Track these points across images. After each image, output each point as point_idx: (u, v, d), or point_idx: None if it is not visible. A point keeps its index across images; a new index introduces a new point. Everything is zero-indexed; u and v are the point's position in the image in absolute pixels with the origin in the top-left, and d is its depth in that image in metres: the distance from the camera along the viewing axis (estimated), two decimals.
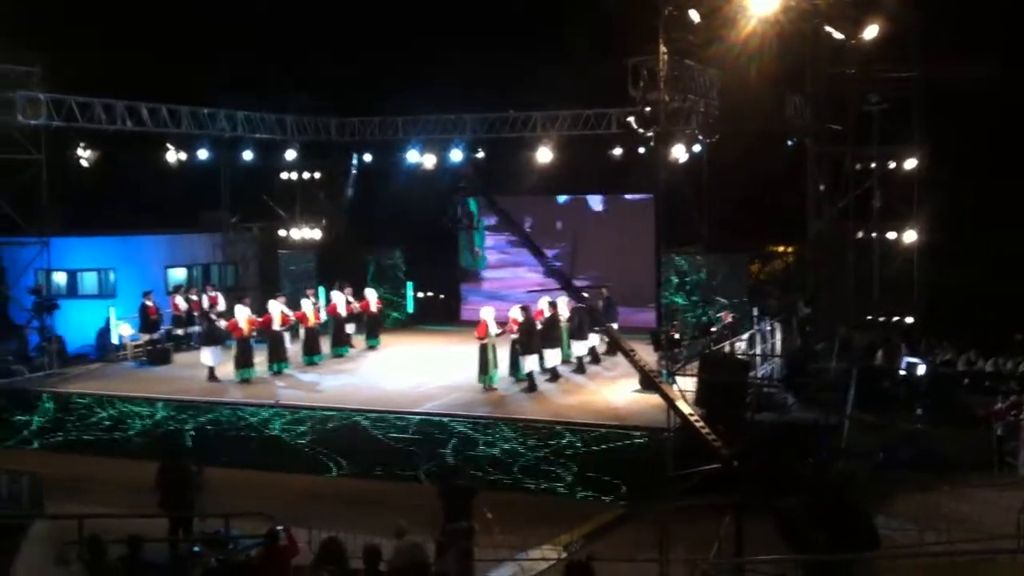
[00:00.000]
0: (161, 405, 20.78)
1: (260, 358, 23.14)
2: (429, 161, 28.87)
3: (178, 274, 29.57)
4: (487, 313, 21.50)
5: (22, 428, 21.64)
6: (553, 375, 21.73)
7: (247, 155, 29.21)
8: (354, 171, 31.55)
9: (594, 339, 23.33)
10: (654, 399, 18.15)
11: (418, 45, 31.31)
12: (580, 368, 22.66)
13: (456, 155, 28.59)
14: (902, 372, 21.08)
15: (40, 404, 21.61)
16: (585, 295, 21.65)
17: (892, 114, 23.14)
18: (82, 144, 25.34)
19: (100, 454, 20.75)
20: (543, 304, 22.13)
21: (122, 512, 15.07)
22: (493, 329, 21.12)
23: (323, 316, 25.11)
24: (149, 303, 25.49)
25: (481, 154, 28.91)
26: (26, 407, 21.71)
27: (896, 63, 22.43)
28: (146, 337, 25.43)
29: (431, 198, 26.90)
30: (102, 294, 28.12)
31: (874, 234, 23.60)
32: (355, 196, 31.85)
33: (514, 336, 21.42)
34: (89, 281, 28.50)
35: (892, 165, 23.94)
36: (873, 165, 23.38)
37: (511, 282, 30.12)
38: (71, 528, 11.81)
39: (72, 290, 28.04)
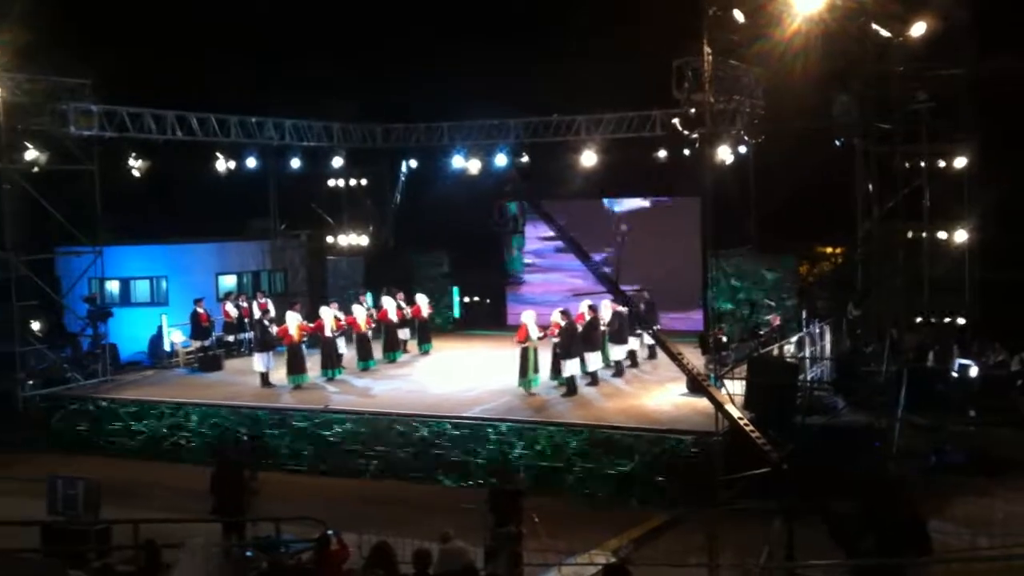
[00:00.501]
0: (213, 411, 21.05)
1: (312, 363, 23.37)
2: (474, 166, 28.98)
3: (228, 281, 29.93)
4: (527, 317, 21.53)
5: (77, 434, 22.02)
6: (593, 379, 21.69)
7: (295, 163, 29.55)
8: (403, 178, 31.71)
9: (634, 343, 23.30)
10: (701, 402, 18.12)
11: (461, 51, 31.42)
12: (619, 372, 22.63)
13: (501, 160, 28.68)
14: (954, 374, 20.81)
15: (94, 410, 21.97)
16: (629, 297, 21.67)
17: (941, 112, 22.83)
18: (133, 154, 25.71)
19: (154, 459, 21.08)
20: (584, 308, 22.14)
21: (176, 517, 15.29)
22: (534, 333, 21.16)
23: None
24: (200, 310, 25.82)
25: (525, 158, 28.97)
26: (81, 413, 22.08)
27: (944, 60, 22.13)
28: (197, 344, 25.79)
29: (476, 203, 27.04)
30: (154, 302, 28.53)
31: (924, 234, 23.31)
32: (403, 202, 32.03)
33: (555, 340, 21.44)
34: (142, 289, 28.92)
35: (942, 164, 23.63)
36: (922, 164, 23.08)
37: (553, 286, 30.09)
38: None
39: (125, 298, 28.48)
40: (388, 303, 25.62)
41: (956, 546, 13.71)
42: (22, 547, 13.96)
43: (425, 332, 26.59)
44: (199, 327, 25.75)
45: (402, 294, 26.55)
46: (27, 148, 22.76)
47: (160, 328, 26.25)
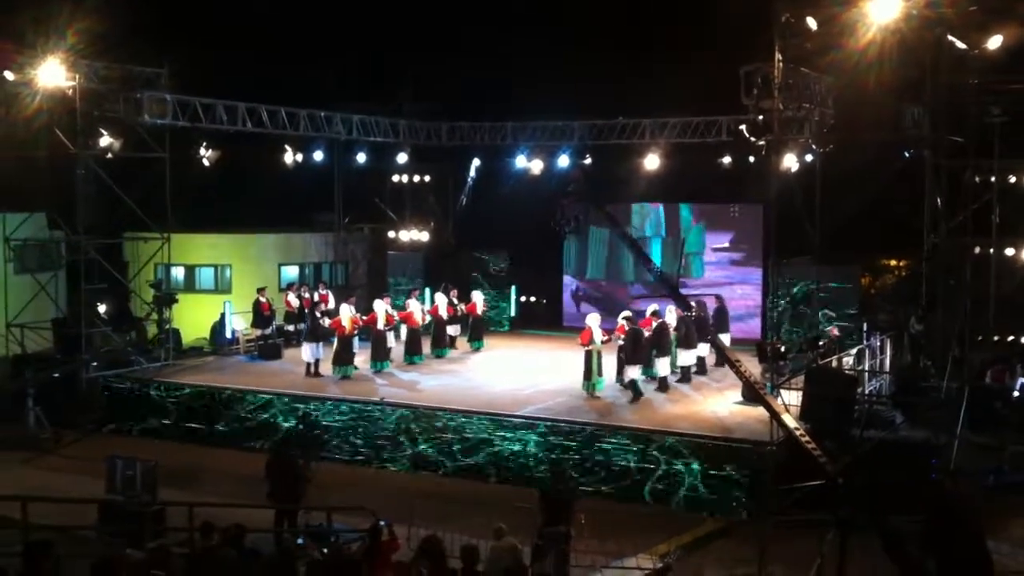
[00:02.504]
0: (271, 398, 21.31)
1: (362, 357, 23.57)
2: (536, 166, 29.02)
3: (291, 272, 30.32)
4: (592, 320, 21.45)
5: (138, 416, 22.43)
6: (661, 384, 21.57)
7: (360, 157, 29.82)
8: (471, 180, 31.73)
9: (703, 348, 23.12)
10: (758, 411, 17.98)
11: (529, 52, 31.48)
12: (686, 377, 22.47)
13: (563, 161, 28.68)
14: (1016, 393, 20.42)
15: (155, 393, 22.38)
16: (693, 303, 21.55)
17: (1014, 126, 22.42)
18: (204, 143, 26.11)
19: (211, 443, 21.39)
20: (651, 312, 22.01)
21: (230, 502, 15.53)
22: (598, 336, 21.08)
23: (427, 317, 25.44)
24: (263, 299, 26.17)
25: (588, 160, 28.93)
26: (142, 396, 22.50)
27: (1021, 74, 21.73)
28: (258, 332, 26.13)
29: (538, 203, 27.06)
30: (218, 289, 29.00)
31: (991, 250, 22.91)
32: (469, 198, 32.12)
33: (620, 343, 21.34)
34: (206, 276, 29.43)
35: (1012, 179, 23.21)
36: (993, 179, 22.68)
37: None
38: None
39: (189, 284, 28.99)
40: (439, 299, 25.77)
41: (1012, 567, 13.49)
42: (80, 525, 14.32)
43: (478, 330, 26.66)
44: (260, 316, 26.12)
45: (456, 291, 26.68)
46: (102, 134, 23.22)
47: (223, 315, 26.65)
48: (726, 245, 28.70)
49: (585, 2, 33.01)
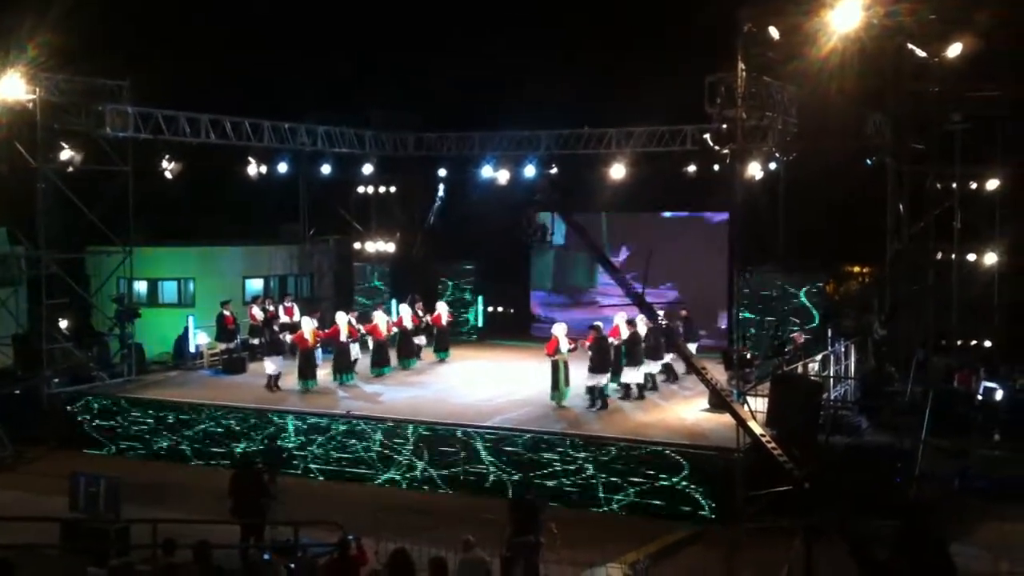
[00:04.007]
0: (234, 412, 21.11)
1: (326, 370, 23.45)
2: (503, 176, 29.00)
3: (256, 284, 30.10)
4: (558, 329, 21.41)
5: (100, 433, 22.16)
6: (627, 393, 21.58)
7: (325, 169, 29.67)
8: (439, 199, 31.51)
9: (670, 358, 23.15)
10: (726, 418, 18.02)
11: (494, 62, 31.55)
12: (653, 386, 22.50)
13: (530, 171, 28.69)
14: (979, 397, 20.61)
15: (117, 409, 22.11)
16: (660, 314, 21.58)
17: (975, 133, 22.69)
18: (167, 156, 25.85)
19: (174, 459, 21.18)
20: (619, 321, 22.02)
21: (195, 518, 15.35)
22: (564, 346, 21.05)
23: (392, 329, 25.31)
24: (227, 313, 25.92)
25: (554, 170, 28.95)
26: (104, 412, 22.23)
27: (980, 82, 22.00)
28: (222, 346, 25.89)
29: (504, 213, 27.06)
30: (181, 303, 28.74)
31: (954, 256, 23.14)
32: (437, 216, 31.96)
33: (589, 353, 21.31)
34: (169, 290, 29.17)
35: (974, 185, 23.48)
36: (954, 185, 22.94)
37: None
38: None
39: (153, 299, 28.71)
40: (404, 310, 25.71)
41: (977, 569, 13.60)
42: (43, 543, 14.11)
43: (443, 340, 26.59)
44: (225, 329, 25.85)
45: (421, 302, 26.61)
46: (63, 148, 22.98)
47: (186, 329, 26.39)
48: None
49: (549, 13, 33.13)
